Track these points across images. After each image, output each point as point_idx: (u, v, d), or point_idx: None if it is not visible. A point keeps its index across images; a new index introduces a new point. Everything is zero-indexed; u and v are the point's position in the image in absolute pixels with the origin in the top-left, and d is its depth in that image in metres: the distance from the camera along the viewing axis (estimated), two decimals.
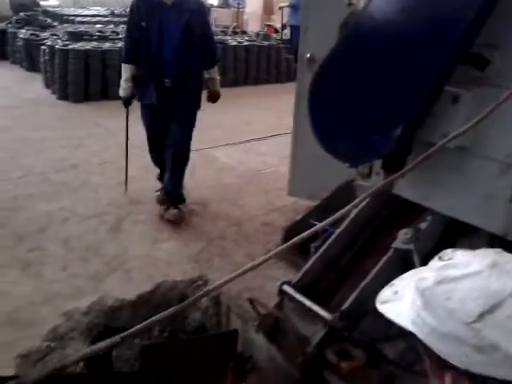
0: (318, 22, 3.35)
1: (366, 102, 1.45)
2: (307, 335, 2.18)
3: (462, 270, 0.72)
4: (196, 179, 4.14)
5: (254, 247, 3.23)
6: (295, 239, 1.84)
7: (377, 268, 2.22)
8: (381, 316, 1.46)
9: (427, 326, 0.72)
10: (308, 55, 3.43)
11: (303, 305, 2.22)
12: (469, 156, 1.42)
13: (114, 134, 5.38)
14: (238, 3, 12.60)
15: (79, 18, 11.95)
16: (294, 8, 10.27)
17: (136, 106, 3.58)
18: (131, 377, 2.02)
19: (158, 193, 3.65)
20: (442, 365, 0.71)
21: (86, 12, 13.52)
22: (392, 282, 0.96)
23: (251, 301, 2.27)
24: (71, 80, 6.52)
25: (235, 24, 12.95)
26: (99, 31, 8.38)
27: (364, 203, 2.52)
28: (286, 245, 2.02)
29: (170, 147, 3.44)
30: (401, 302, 0.87)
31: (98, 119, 5.91)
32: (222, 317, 2.81)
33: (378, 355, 2.17)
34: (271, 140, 5.63)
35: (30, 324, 2.38)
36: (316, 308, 2.17)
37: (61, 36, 7.83)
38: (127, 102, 3.51)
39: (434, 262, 0.81)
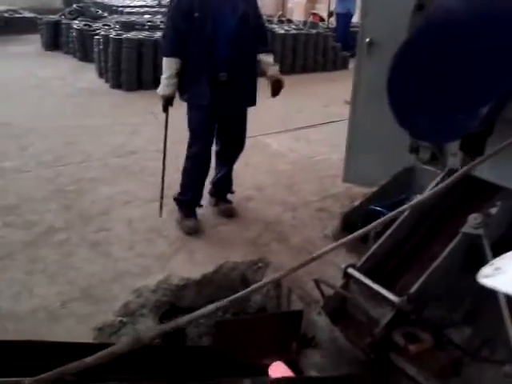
0: (377, 6, 3.32)
1: (451, 82, 1.44)
2: (374, 317, 2.20)
3: None
4: (250, 166, 4.20)
5: (311, 232, 3.25)
6: (367, 228, 1.84)
7: (445, 253, 2.21)
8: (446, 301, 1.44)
9: None
10: (367, 40, 3.40)
11: (369, 288, 2.24)
12: None
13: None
14: None
15: (128, 9, 12.18)
16: None
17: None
18: (204, 350, 2.09)
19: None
20: None
21: (134, 3, 13.76)
22: (491, 262, 0.99)
23: (317, 281, 2.31)
24: (124, 68, 6.69)
25: (280, 13, 12.93)
26: (149, 21, 8.52)
27: (432, 185, 2.51)
28: (355, 234, 2.04)
29: (226, 148, 3.32)
30: (505, 274, 0.89)
31: (151, 107, 6.04)
32: (282, 299, 2.87)
33: (445, 339, 2.17)
34: (321, 128, 5.62)
35: (102, 300, 2.50)
36: (383, 291, 2.18)
37: (113, 26, 8.03)
38: (169, 102, 3.09)
39: None
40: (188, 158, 3.21)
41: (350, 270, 2.32)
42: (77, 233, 3.11)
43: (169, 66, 2.98)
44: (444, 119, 1.55)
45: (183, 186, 3.25)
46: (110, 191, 3.71)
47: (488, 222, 2.18)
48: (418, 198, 2.86)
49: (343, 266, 2.37)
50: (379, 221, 1.83)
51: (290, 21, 11.08)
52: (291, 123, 5.57)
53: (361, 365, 2.20)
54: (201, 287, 2.75)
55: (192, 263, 2.87)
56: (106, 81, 7.10)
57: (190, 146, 3.20)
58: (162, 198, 3.24)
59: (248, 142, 3.48)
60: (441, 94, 1.48)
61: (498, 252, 2.22)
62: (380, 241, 2.43)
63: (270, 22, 10.49)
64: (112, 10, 11.97)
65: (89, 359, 1.05)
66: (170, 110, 3.15)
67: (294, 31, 8.70)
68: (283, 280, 2.80)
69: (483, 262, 2.21)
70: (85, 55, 8.48)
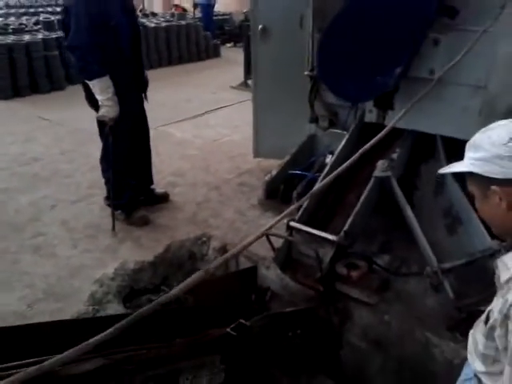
0: None
1: (371, 50, 1.87)
2: (318, 257, 2.62)
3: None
4: (162, 155, 4.39)
5: (239, 204, 3.59)
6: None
7: (364, 195, 2.71)
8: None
9: (477, 160, 1.14)
10: (260, 26, 3.78)
11: (309, 234, 2.66)
12: (447, 85, 1.90)
13: (60, 124, 5.42)
14: None
15: None
16: None
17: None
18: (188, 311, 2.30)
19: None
20: (487, 183, 1.13)
21: None
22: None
23: (267, 236, 2.67)
24: None
25: (140, 6, 12.82)
26: (7, 24, 8.04)
27: (341, 145, 3.00)
28: (300, 201, 2.42)
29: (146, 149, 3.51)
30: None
31: (36, 112, 5.85)
32: (230, 263, 3.18)
33: (374, 265, 2.67)
34: (215, 113, 5.95)
35: (67, 295, 2.59)
36: (322, 233, 2.62)
37: None
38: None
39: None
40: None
41: (292, 223, 2.72)
42: (13, 241, 3.08)
43: (104, 86, 2.86)
44: (366, 83, 1.98)
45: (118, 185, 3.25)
46: (30, 198, 3.66)
47: (393, 165, 2.73)
48: (329, 157, 3.38)
49: (285, 220, 2.76)
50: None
51: (154, 14, 11.13)
52: (186, 112, 5.80)
53: (311, 300, 2.62)
54: (155, 268, 2.96)
55: (140, 249, 3.05)
56: None
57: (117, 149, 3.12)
58: (113, 213, 3.22)
59: (152, 134, 3.63)
60: (362, 62, 1.90)
61: (402, 187, 2.78)
62: (309, 195, 2.85)
63: None
64: None
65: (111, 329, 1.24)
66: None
67: (164, 24, 8.83)
68: (228, 246, 3.12)
69: (393, 196, 2.76)
70: None
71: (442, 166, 2.72)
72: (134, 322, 1.31)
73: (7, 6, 12.83)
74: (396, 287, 2.67)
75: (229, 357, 1.96)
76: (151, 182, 3.58)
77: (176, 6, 12.50)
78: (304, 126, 3.83)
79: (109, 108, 2.90)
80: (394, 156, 2.80)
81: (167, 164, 4.25)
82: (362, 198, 2.69)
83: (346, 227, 2.58)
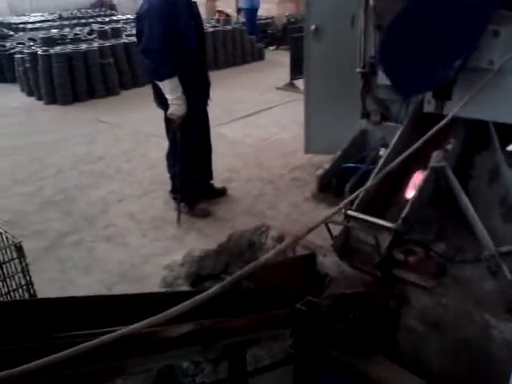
0: None
1: (432, 44, 1.99)
2: (375, 244, 2.74)
3: None
4: (216, 154, 4.59)
5: (293, 197, 3.75)
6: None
7: (421, 183, 2.81)
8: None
9: None
10: (313, 27, 3.93)
11: (367, 222, 2.78)
12: (506, 73, 1.99)
13: (118, 126, 5.74)
14: None
15: (29, 25, 11.86)
16: None
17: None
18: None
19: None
20: None
21: (31, 19, 13.35)
22: None
23: (326, 224, 2.82)
24: (58, 83, 6.73)
25: None
26: (75, 34, 8.53)
27: (396, 138, 3.11)
28: (355, 194, 2.54)
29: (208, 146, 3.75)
30: None
31: (95, 116, 6.20)
32: (287, 253, 3.34)
33: (430, 252, 2.77)
34: (264, 113, 6.14)
35: (140, 279, 2.82)
36: (380, 221, 2.74)
37: (30, 43, 7.94)
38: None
39: None
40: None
41: (350, 212, 2.85)
42: (87, 232, 3.35)
43: (174, 86, 3.09)
44: (427, 75, 2.10)
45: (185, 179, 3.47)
46: (98, 194, 3.94)
47: (447, 156, 2.81)
48: (382, 150, 3.48)
49: (342, 211, 2.90)
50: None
51: None
52: (236, 113, 6.02)
53: (369, 285, 2.74)
54: (218, 255, 3.15)
55: (204, 238, 3.25)
56: (39, 98, 7.06)
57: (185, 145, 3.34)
58: (178, 206, 3.47)
59: None
60: (423, 56, 2.02)
61: (457, 177, 2.87)
62: (366, 188, 2.97)
63: None
64: (12, 27, 11.59)
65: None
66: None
67: (211, 29, 9.11)
68: (286, 236, 3.27)
69: (448, 186, 2.84)
70: (1, 76, 8.31)
71: (496, 156, 2.81)
72: (211, 297, 1.44)
73: (60, 17, 13.48)
74: (452, 273, 2.75)
75: (298, 331, 2.12)
76: (211, 177, 3.79)
77: (219, 11, 12.81)
78: (355, 121, 3.94)
79: (178, 106, 3.14)
80: (449, 147, 2.89)
81: (222, 162, 4.45)
82: (418, 187, 2.79)
83: (403, 215, 2.69)
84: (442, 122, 1.85)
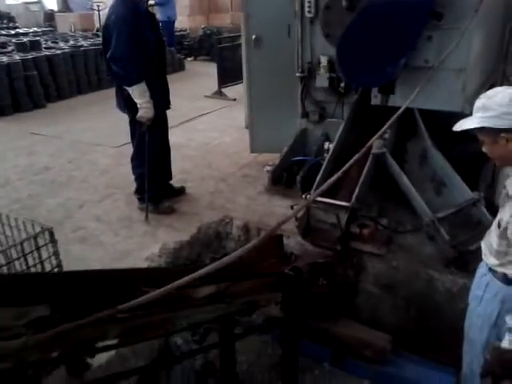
0: (259, 9, 4.25)
1: (380, 47, 2.45)
2: (334, 222, 3.17)
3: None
4: None
5: (248, 192, 4.09)
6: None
7: (365, 169, 3.29)
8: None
9: (487, 118, 1.71)
10: (254, 36, 4.32)
11: (324, 203, 3.20)
12: (437, 70, 2.50)
13: (57, 137, 5.72)
14: (98, 5, 12.70)
15: None
16: (160, 5, 10.96)
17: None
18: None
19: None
20: (497, 132, 1.71)
21: None
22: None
23: (292, 206, 3.22)
24: None
25: (98, 26, 13.09)
26: None
27: (340, 130, 3.57)
28: (325, 185, 2.95)
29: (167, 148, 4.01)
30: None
31: (27, 128, 6.10)
32: (252, 239, 3.66)
33: (379, 224, 3.25)
34: (199, 119, 6.44)
35: None
36: (336, 202, 3.17)
37: None
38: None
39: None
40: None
41: (308, 196, 3.26)
42: (57, 236, 3.43)
43: (142, 91, 3.32)
44: (377, 72, 2.56)
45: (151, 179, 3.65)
46: (56, 201, 4.00)
47: (386, 144, 3.33)
48: (327, 143, 3.94)
49: (303, 196, 3.30)
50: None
51: None
52: (173, 119, 6.17)
53: (329, 258, 3.16)
54: (191, 246, 3.41)
55: (174, 232, 3.49)
56: None
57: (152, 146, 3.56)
58: (147, 204, 3.65)
59: None
60: (373, 57, 2.47)
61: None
62: (321, 172, 3.40)
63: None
64: None
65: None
66: None
67: None
68: (250, 224, 3.60)
69: (388, 169, 3.34)
70: None
71: (424, 142, 3.36)
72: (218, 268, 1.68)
73: None
74: (397, 242, 3.26)
75: (287, 294, 2.46)
76: (171, 178, 4.02)
77: None
78: (295, 121, 4.39)
79: (147, 109, 3.37)
80: (386, 136, 3.41)
81: (173, 164, 4.67)
82: (364, 171, 3.27)
83: (355, 194, 3.15)
84: (397, 114, 2.30)
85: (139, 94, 3.33)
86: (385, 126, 2.40)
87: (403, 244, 3.23)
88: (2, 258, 1.97)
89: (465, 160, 3.35)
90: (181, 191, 4.06)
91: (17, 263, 1.97)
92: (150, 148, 3.48)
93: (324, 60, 3.77)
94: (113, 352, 2.42)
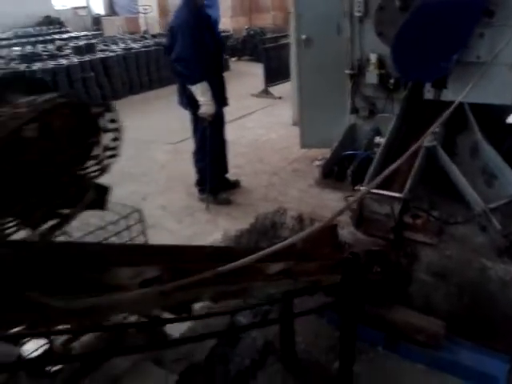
0: (308, 9, 4.42)
1: (434, 44, 2.59)
2: (387, 213, 3.30)
3: None
4: None
5: (300, 185, 4.27)
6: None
7: (417, 162, 3.41)
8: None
9: None
10: (304, 36, 4.50)
11: (378, 194, 3.34)
12: (491, 66, 2.61)
13: None
14: (145, 8, 13.19)
15: None
16: (208, 7, 11.25)
17: None
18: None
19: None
20: None
21: None
22: None
23: (346, 198, 3.38)
24: None
25: (145, 29, 13.60)
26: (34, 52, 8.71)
27: (392, 123, 3.69)
28: (376, 179, 3.09)
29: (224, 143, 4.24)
30: None
31: None
32: (305, 229, 3.84)
33: (431, 216, 3.37)
34: (248, 117, 6.67)
35: None
36: (390, 193, 3.31)
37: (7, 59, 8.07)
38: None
39: None
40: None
41: (362, 188, 3.40)
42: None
43: (204, 89, 3.58)
44: (432, 68, 2.69)
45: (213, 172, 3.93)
46: (119, 194, 4.26)
47: (437, 137, 3.44)
48: (377, 138, 4.07)
49: (357, 187, 3.45)
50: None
51: (161, 35, 11.84)
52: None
53: (383, 247, 3.29)
54: (249, 234, 3.61)
55: (233, 220, 3.71)
56: None
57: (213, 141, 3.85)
58: (208, 194, 3.94)
59: None
60: (428, 53, 2.60)
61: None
62: (373, 166, 3.54)
63: (144, 38, 11.21)
64: None
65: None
66: None
67: None
68: (304, 214, 3.78)
69: (439, 161, 3.46)
70: None
71: (475, 135, 3.45)
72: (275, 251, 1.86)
73: (16, 36, 13.43)
74: (449, 232, 3.37)
75: (346, 277, 2.62)
76: (227, 171, 4.24)
77: None
78: (343, 117, 4.53)
79: (209, 106, 3.63)
80: (436, 130, 3.52)
81: None
82: (416, 164, 3.40)
83: (407, 186, 3.27)
84: (453, 105, 2.42)
85: (202, 92, 3.57)
86: (439, 120, 2.53)
87: (455, 235, 3.33)
88: (100, 235, 2.22)
89: None
90: (236, 184, 4.28)
91: (111, 240, 2.21)
92: (211, 142, 3.71)
93: (373, 57, 3.91)
94: (186, 327, 2.65)
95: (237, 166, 4.79)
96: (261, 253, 1.63)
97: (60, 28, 15.82)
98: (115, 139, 0.96)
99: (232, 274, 1.69)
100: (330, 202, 3.87)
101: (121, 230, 2.17)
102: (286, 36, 9.08)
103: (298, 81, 4.77)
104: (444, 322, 3.02)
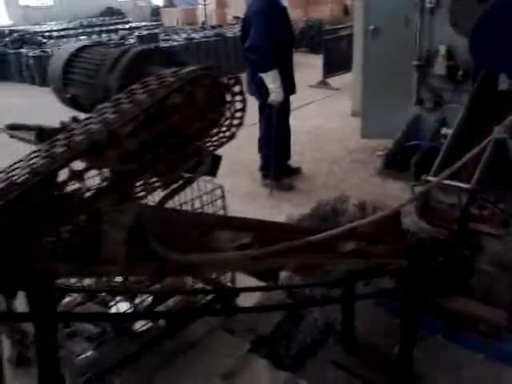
0: (376, 1, 4.46)
1: (509, 37, 2.59)
2: (453, 202, 3.31)
3: None
4: None
5: (360, 174, 4.33)
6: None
7: (486, 153, 3.39)
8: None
9: None
10: (371, 27, 4.53)
11: (445, 184, 3.35)
12: None
13: None
14: (204, 0, 13.44)
15: (55, 33, 12.40)
16: None
17: None
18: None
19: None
20: None
21: (55, 27, 13.88)
22: None
23: (413, 186, 3.41)
24: None
25: (203, 20, 13.88)
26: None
27: (461, 114, 3.67)
28: (447, 171, 3.12)
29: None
30: None
31: None
32: (367, 217, 3.90)
33: (497, 208, 3.35)
34: (306, 107, 6.75)
35: None
36: (457, 183, 3.31)
37: None
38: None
39: None
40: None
41: (428, 177, 3.43)
42: None
43: (275, 77, 3.71)
44: (507, 58, 2.70)
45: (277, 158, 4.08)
46: None
47: (507, 130, 3.40)
48: (443, 129, 4.06)
49: (423, 177, 3.47)
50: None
51: (220, 26, 12.07)
52: None
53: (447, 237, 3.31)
54: (311, 219, 3.71)
55: (295, 206, 3.82)
56: None
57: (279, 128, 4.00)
58: (272, 180, 4.09)
59: None
60: (505, 43, 2.62)
61: None
62: (440, 157, 3.55)
63: (204, 28, 11.44)
64: (43, 36, 12.11)
65: None
66: None
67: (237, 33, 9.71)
68: (366, 202, 3.84)
69: (508, 154, 3.43)
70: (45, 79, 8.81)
71: None
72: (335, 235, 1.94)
73: (81, 25, 14.03)
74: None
75: (414, 261, 2.67)
76: (289, 158, 4.36)
77: (237, 17, 13.41)
78: (406, 109, 4.53)
79: (278, 94, 3.77)
80: (507, 122, 3.48)
81: None
82: (484, 156, 3.38)
83: (475, 177, 3.27)
84: None
85: (273, 80, 3.70)
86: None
87: None
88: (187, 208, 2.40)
89: None
90: (297, 171, 4.38)
91: None
92: (277, 129, 3.83)
93: (443, 49, 3.90)
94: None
95: (297, 153, 4.88)
96: (337, 230, 1.75)
97: (122, 18, 16.35)
98: (241, 110, 1.08)
99: (313, 247, 1.82)
100: (393, 192, 3.91)
101: (205, 204, 2.32)
102: (344, 28, 9.08)
103: (363, 71, 4.80)
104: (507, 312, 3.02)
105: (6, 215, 0.86)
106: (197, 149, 1.06)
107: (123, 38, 9.80)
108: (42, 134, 1.27)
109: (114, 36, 10.48)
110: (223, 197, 2.40)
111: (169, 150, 0.99)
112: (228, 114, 1.05)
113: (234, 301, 2.61)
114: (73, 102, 1.69)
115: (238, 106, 1.06)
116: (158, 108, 0.95)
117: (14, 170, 0.92)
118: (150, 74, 1.03)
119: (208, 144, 1.10)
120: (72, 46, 1.96)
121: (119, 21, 15.62)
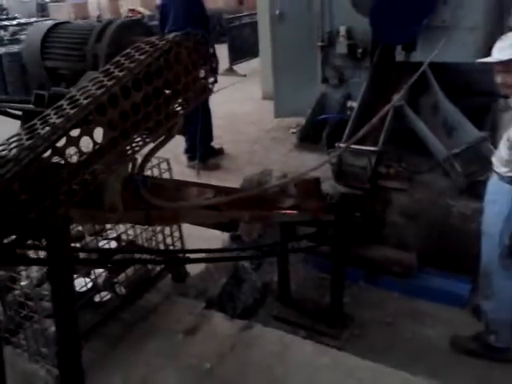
0: None
1: (407, 11, 3.01)
2: (363, 165, 3.74)
3: None
4: None
5: (280, 149, 4.64)
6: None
7: (388, 118, 3.86)
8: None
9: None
10: (277, 11, 4.84)
11: (355, 149, 3.77)
12: (451, 28, 3.07)
13: None
14: None
15: None
16: None
17: None
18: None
19: None
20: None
21: None
22: None
23: (329, 153, 3.79)
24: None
25: (99, 13, 13.47)
26: None
27: (364, 87, 4.12)
28: (356, 137, 3.52)
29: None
30: None
31: None
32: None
33: (401, 166, 3.84)
34: (216, 94, 6.90)
35: None
36: (365, 147, 3.75)
37: None
38: None
39: None
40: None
41: (341, 144, 3.83)
42: None
43: None
44: (405, 29, 3.12)
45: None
46: None
47: (403, 97, 3.90)
48: (349, 102, 4.50)
49: (336, 144, 3.87)
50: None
51: (117, 19, 11.79)
52: None
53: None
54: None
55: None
56: None
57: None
58: (199, 161, 4.29)
59: None
60: (402, 17, 3.03)
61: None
62: (348, 127, 3.96)
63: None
64: None
65: None
66: None
67: None
68: (288, 173, 4.16)
69: (406, 118, 3.93)
70: None
71: (436, 95, 3.92)
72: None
73: None
74: (417, 180, 3.86)
75: (339, 216, 3.03)
76: (212, 139, 4.58)
77: (132, 10, 13.22)
78: (314, 87, 4.94)
79: None
80: (403, 91, 3.99)
81: None
82: (386, 121, 3.85)
83: (381, 140, 3.72)
84: (423, 66, 2.85)
85: None
86: (409, 82, 2.96)
87: (422, 181, 3.83)
88: None
89: (468, 112, 3.94)
90: (220, 151, 4.62)
91: None
92: (202, 112, 4.03)
93: (342, 29, 4.31)
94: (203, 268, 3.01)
95: (217, 137, 5.11)
96: (276, 184, 2.06)
97: (6, 15, 15.33)
98: (214, 71, 1.29)
99: (261, 203, 2.10)
100: (310, 162, 4.27)
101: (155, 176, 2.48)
102: (245, 16, 9.41)
103: (272, 54, 5.11)
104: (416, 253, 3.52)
105: (35, 166, 1.01)
106: (176, 109, 1.26)
107: (15, 33, 9.29)
108: (42, 100, 1.38)
109: (3, 32, 9.87)
110: (170, 169, 2.57)
111: (155, 109, 1.18)
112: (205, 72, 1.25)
113: (184, 268, 2.80)
114: (51, 74, 1.79)
115: (213, 65, 1.27)
116: (156, 65, 1.13)
117: (33, 126, 1.06)
118: (132, 42, 1.20)
119: (188, 100, 1.29)
120: (44, 24, 2.04)
121: (4, 17, 14.62)
